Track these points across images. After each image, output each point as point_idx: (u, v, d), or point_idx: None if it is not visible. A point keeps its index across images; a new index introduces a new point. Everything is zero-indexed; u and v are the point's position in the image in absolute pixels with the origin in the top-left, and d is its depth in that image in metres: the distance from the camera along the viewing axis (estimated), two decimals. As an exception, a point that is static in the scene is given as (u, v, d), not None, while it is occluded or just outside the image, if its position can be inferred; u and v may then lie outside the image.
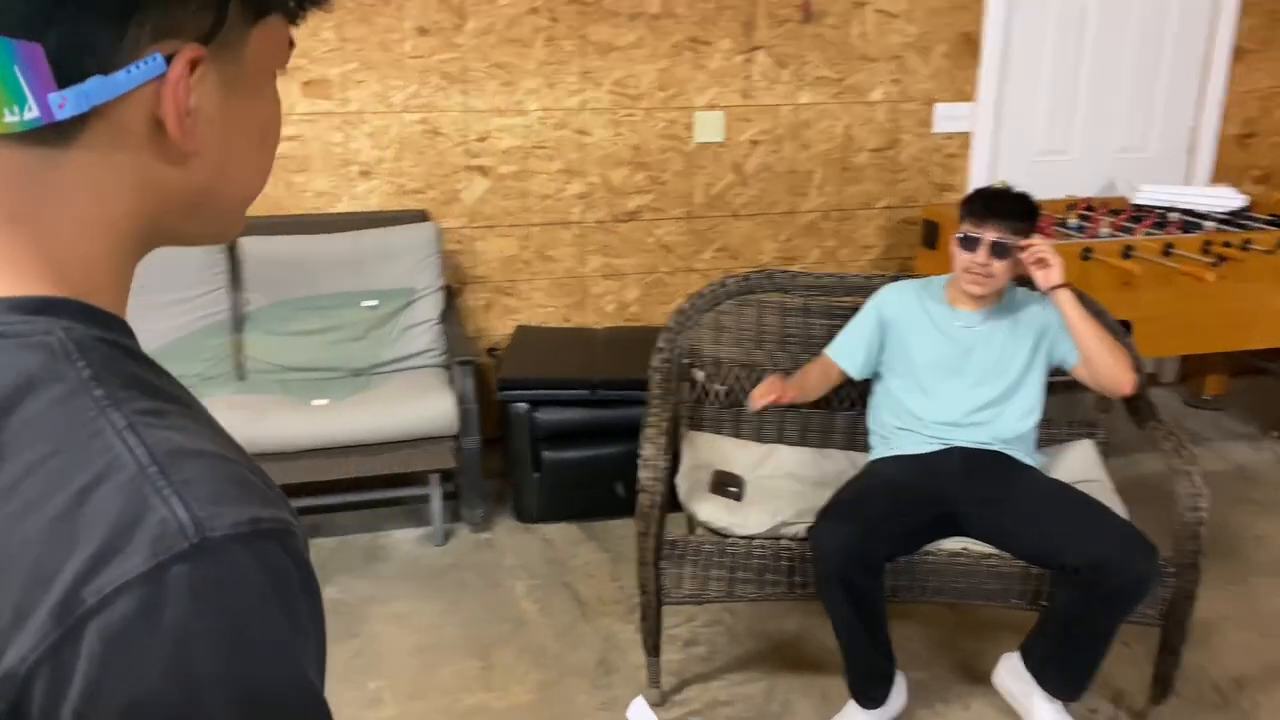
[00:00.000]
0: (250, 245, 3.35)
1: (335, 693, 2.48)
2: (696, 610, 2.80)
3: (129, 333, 0.61)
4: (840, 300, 2.75)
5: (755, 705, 2.44)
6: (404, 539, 3.21)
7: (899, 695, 2.34)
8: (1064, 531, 2.17)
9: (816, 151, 3.92)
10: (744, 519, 2.36)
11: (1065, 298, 2.33)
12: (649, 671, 2.43)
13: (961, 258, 2.43)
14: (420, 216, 3.56)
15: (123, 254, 0.61)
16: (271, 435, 2.96)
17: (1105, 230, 3.56)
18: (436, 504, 3.18)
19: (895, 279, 2.72)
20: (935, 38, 3.90)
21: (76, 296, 0.57)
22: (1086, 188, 4.19)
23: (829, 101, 3.88)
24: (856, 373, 2.56)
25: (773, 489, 2.53)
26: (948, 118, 4.00)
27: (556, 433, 3.21)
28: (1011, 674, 2.31)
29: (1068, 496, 2.26)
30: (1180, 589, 2.22)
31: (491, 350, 3.73)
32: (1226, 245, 3.37)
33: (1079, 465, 2.55)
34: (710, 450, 2.68)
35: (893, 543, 2.19)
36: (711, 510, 2.39)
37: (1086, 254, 3.25)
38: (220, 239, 0.69)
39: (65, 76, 0.52)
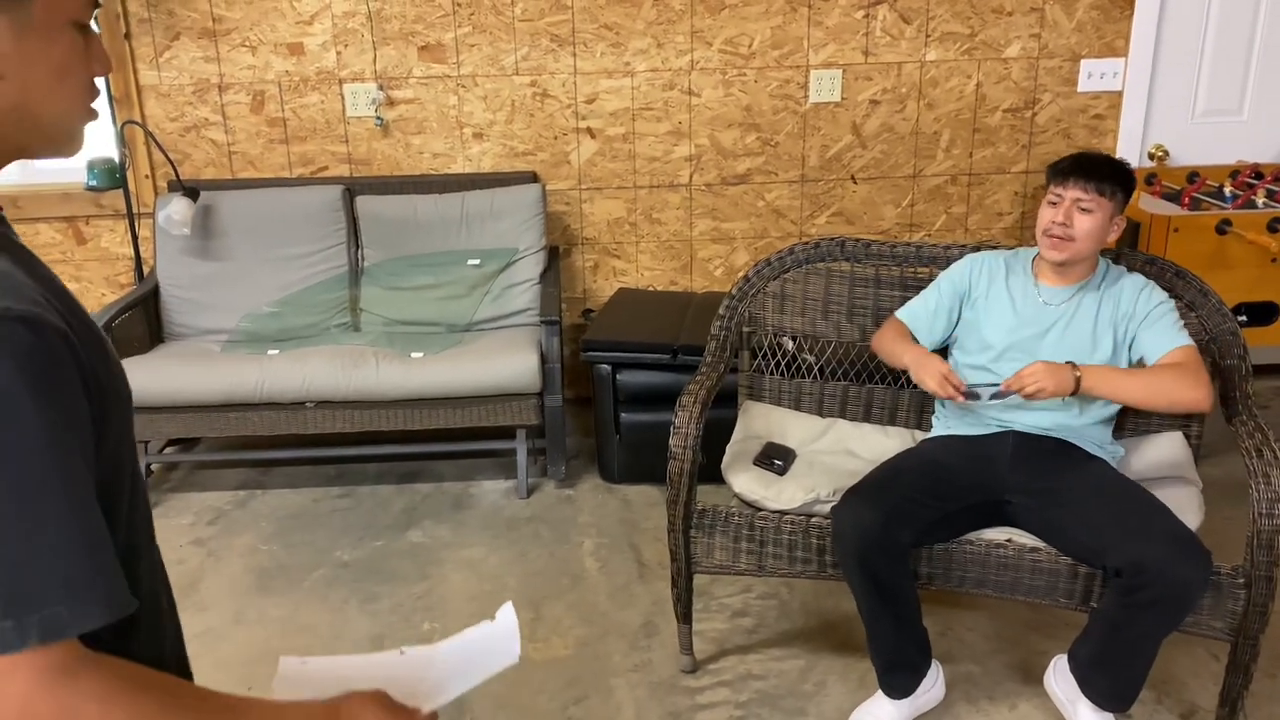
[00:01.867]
0: (367, 204, 3.53)
1: (392, 629, 2.63)
2: (754, 581, 2.76)
3: None
4: (915, 271, 2.61)
5: (788, 682, 2.40)
6: (492, 490, 3.33)
7: (932, 687, 2.23)
8: (1110, 529, 1.99)
9: (944, 111, 3.70)
10: (777, 493, 2.31)
11: (1089, 386, 2.12)
12: (680, 638, 2.43)
13: (1044, 217, 2.25)
14: (530, 178, 3.64)
15: None
16: (370, 384, 3.13)
17: (1261, 200, 3.19)
18: (522, 458, 3.28)
19: (978, 249, 2.56)
20: (1081, -13, 3.59)
21: None
22: (1261, 153, 3.76)
23: (959, 58, 3.65)
24: (928, 342, 2.43)
25: (824, 464, 2.46)
26: (1095, 75, 3.68)
27: (638, 395, 3.23)
28: (1060, 678, 2.16)
29: (1122, 493, 2.07)
30: (1252, 602, 2.00)
31: (587, 312, 3.79)
32: (1403, 219, 2.95)
33: (1163, 458, 2.33)
34: (765, 421, 2.62)
35: (921, 527, 2.08)
36: (746, 482, 2.35)
37: (1223, 227, 2.93)
38: (57, 152, 0.91)
39: None
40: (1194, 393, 2.10)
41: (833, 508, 2.14)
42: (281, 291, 3.49)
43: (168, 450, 3.59)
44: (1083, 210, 2.17)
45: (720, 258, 3.83)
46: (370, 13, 3.50)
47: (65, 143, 0.90)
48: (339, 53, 3.54)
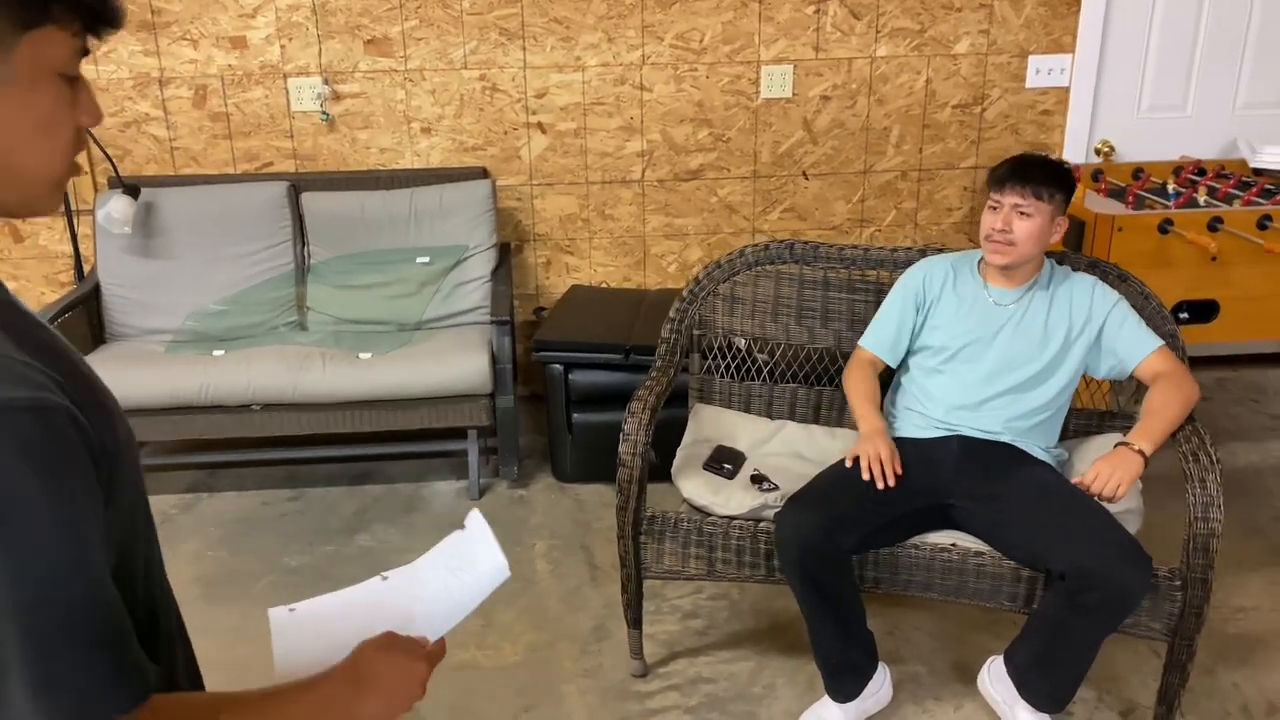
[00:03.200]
0: (312, 200, 3.47)
1: (341, 637, 2.60)
2: (705, 583, 2.77)
3: None
4: (863, 274, 2.62)
5: (737, 685, 2.41)
6: (444, 491, 3.31)
7: (880, 689, 2.25)
8: (1053, 534, 2.02)
9: (894, 107, 3.71)
10: (726, 498, 2.31)
11: (1151, 450, 2.10)
12: (630, 643, 2.43)
13: (985, 223, 2.28)
14: (480, 173, 3.60)
15: None
16: (318, 386, 3.08)
17: (1202, 198, 3.24)
18: (474, 459, 3.26)
19: (923, 252, 2.58)
20: (1029, -16, 3.61)
21: None
22: (1204, 149, 3.82)
23: (909, 54, 3.66)
24: (896, 361, 2.44)
25: (773, 467, 2.46)
26: (1042, 71, 3.71)
27: (590, 395, 3.22)
28: (996, 680, 2.19)
29: (1065, 498, 2.10)
30: (1188, 604, 2.04)
31: (539, 310, 3.76)
32: (1339, 219, 3.00)
33: (1104, 461, 2.36)
34: (715, 424, 2.62)
35: (865, 533, 2.10)
36: (695, 487, 2.35)
37: (1165, 226, 2.97)
38: (33, 211, 0.86)
39: None
40: (1194, 390, 2.21)
41: (776, 515, 2.15)
42: (226, 290, 3.43)
43: (111, 453, 3.51)
44: (1022, 215, 2.20)
45: (674, 254, 3.82)
46: (315, 5, 3.43)
47: (46, 198, 0.86)
48: (283, 46, 3.47)
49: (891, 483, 2.13)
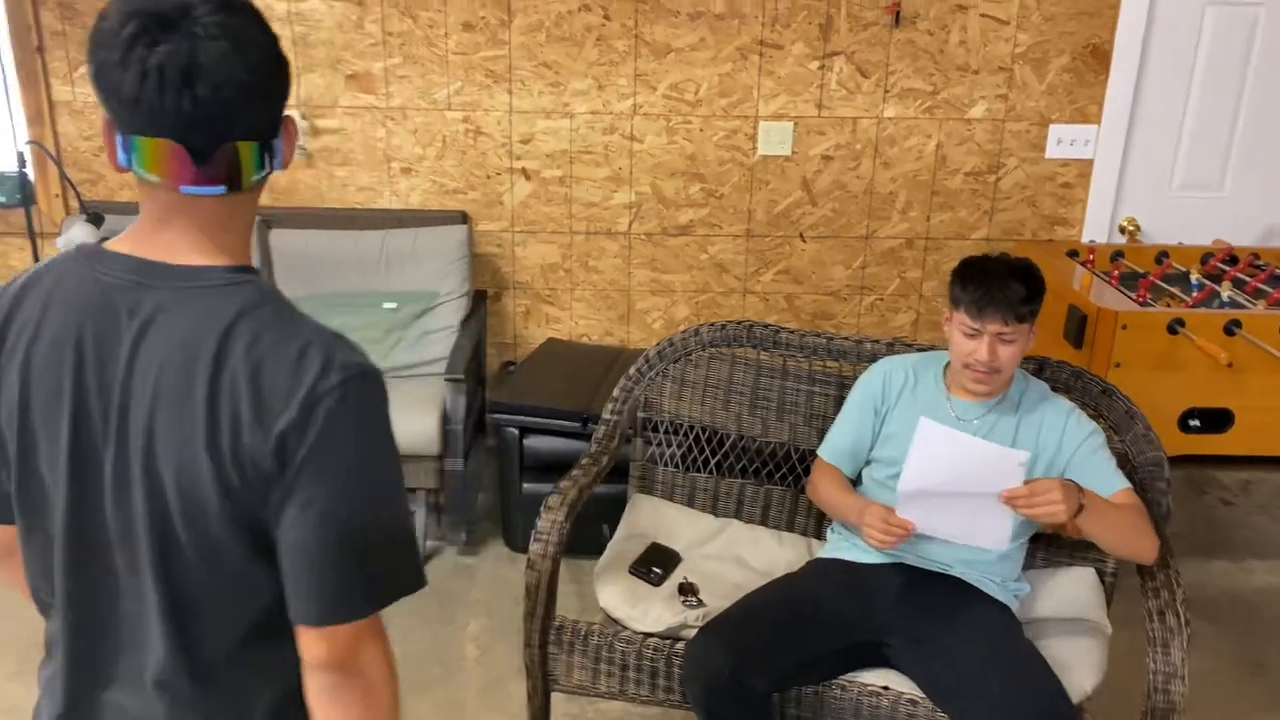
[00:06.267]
0: (281, 238, 3.34)
1: None
2: (639, 684, 2.56)
3: None
4: (825, 365, 2.40)
5: (649, 813, 2.20)
6: (390, 551, 3.14)
7: (797, 838, 2.02)
8: (990, 702, 1.77)
9: (901, 171, 3.48)
10: (644, 611, 2.10)
11: (1084, 524, 1.84)
12: (535, 758, 2.23)
13: (961, 349, 2.03)
14: (460, 218, 3.45)
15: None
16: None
17: (1225, 293, 2.96)
18: (420, 520, 3.09)
19: (891, 346, 2.35)
20: (1053, 48, 3.36)
21: (249, 266, 1.07)
22: (1242, 234, 3.52)
23: (919, 116, 3.43)
24: (855, 472, 2.22)
25: (708, 574, 2.25)
26: (1064, 141, 3.45)
27: (545, 462, 3.03)
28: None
29: (1009, 658, 1.85)
30: (1144, 785, 1.79)
31: (509, 364, 3.59)
32: (1374, 329, 2.70)
33: (1071, 598, 2.11)
34: (653, 518, 2.42)
35: (784, 670, 1.87)
36: (613, 595, 2.15)
37: (1175, 326, 2.69)
38: None
39: (271, 159, 1.05)
40: (1151, 541, 1.92)
41: (686, 644, 1.94)
42: (189, 325, 3.31)
43: None
44: (1005, 342, 1.96)
45: (659, 310, 3.63)
46: (295, 37, 3.30)
47: None
48: (262, 77, 3.35)
49: (902, 535, 1.93)
